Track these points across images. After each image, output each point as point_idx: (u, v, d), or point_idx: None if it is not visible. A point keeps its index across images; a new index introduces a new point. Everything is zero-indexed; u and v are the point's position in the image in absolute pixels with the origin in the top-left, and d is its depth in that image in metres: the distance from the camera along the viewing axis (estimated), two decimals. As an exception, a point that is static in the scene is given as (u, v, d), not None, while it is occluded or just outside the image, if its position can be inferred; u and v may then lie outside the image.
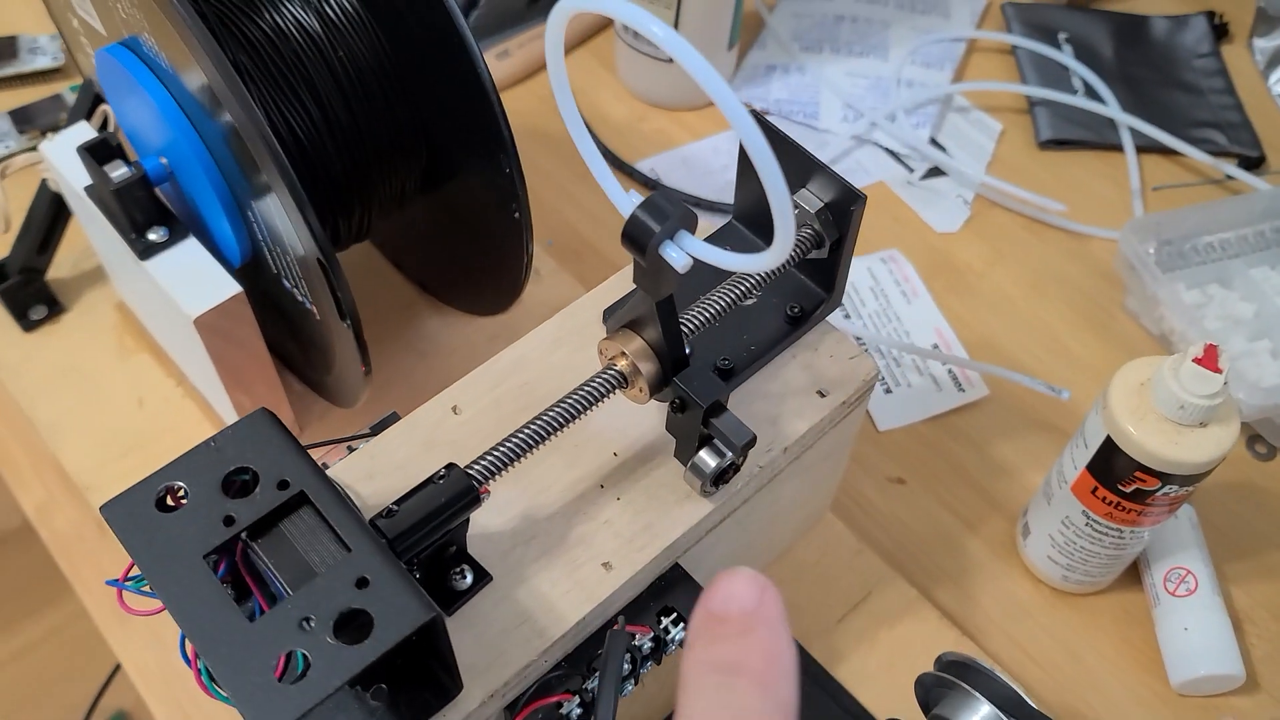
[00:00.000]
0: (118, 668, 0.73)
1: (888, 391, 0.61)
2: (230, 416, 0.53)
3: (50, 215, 0.56)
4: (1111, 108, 0.73)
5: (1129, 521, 0.49)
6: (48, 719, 1.22)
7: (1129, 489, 0.48)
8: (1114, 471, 0.48)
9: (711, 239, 0.47)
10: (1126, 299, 0.65)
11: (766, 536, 0.49)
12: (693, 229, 0.34)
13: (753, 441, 0.38)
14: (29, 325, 0.59)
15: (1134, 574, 0.55)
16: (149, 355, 0.58)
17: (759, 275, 0.42)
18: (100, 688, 1.13)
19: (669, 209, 0.33)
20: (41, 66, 0.72)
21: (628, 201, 0.34)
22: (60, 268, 0.60)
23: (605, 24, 0.78)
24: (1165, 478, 0.46)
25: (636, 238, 0.33)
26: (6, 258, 0.58)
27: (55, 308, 0.59)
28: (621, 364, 0.38)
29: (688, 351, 0.44)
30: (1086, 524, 0.50)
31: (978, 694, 0.43)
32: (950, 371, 0.62)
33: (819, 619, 0.52)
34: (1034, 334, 0.64)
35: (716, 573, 0.44)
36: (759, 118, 0.41)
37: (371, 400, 0.55)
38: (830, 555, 0.54)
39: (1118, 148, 0.73)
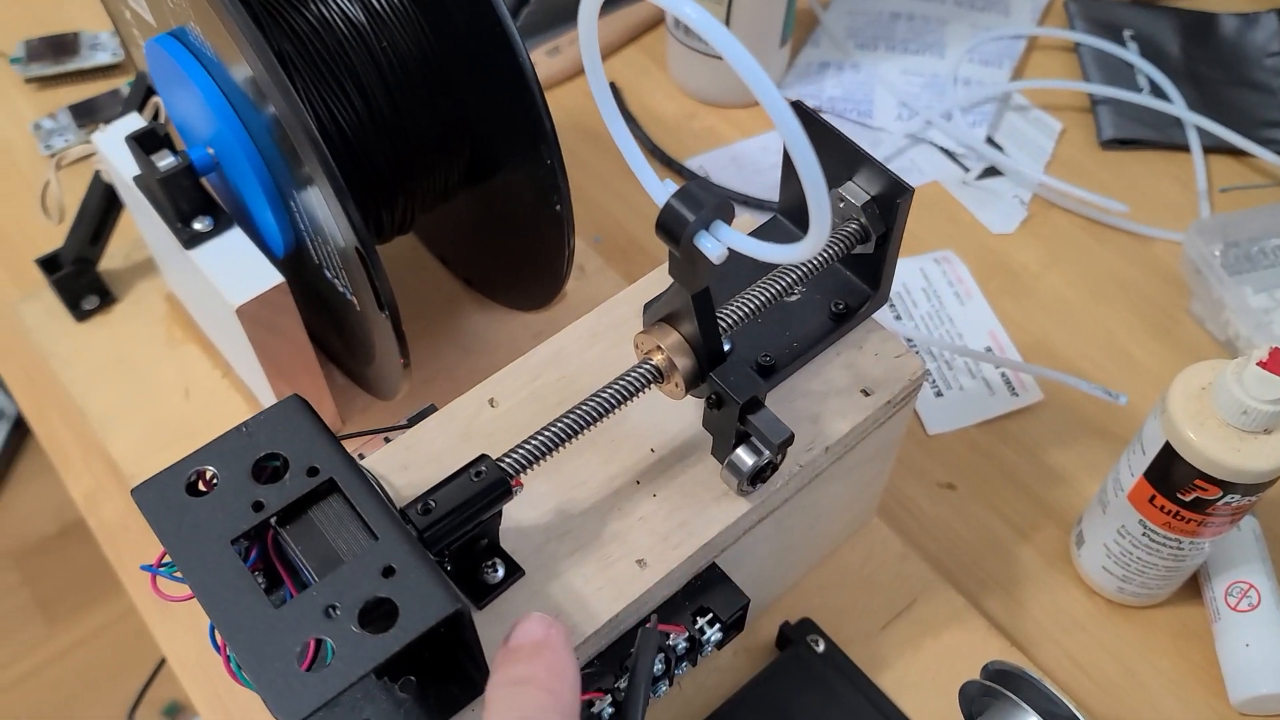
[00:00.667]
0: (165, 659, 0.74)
1: (938, 395, 0.60)
2: (273, 408, 0.53)
3: (102, 207, 0.57)
4: (1178, 106, 0.71)
5: (1188, 532, 0.47)
6: (103, 710, 1.24)
7: (1188, 498, 0.46)
8: (1173, 479, 0.46)
9: (754, 234, 0.46)
10: (1191, 303, 0.63)
11: (808, 539, 0.48)
12: (729, 219, 0.33)
13: (790, 439, 0.37)
14: (81, 315, 0.59)
15: (1193, 586, 0.53)
16: (196, 346, 0.59)
17: (802, 269, 0.41)
18: (148, 678, 1.15)
19: (704, 198, 0.32)
20: (101, 62, 0.73)
21: (663, 190, 0.33)
22: (112, 259, 0.61)
23: (657, 21, 0.78)
24: (1227, 486, 0.44)
25: (670, 227, 0.32)
26: (60, 248, 0.59)
27: (107, 298, 0.60)
28: (657, 358, 0.37)
29: (728, 347, 0.43)
30: (1144, 534, 0.49)
31: (1026, 706, 0.42)
32: (1003, 375, 0.60)
33: (862, 624, 0.51)
34: (1091, 338, 0.62)
35: (751, 575, 0.43)
36: (800, 107, 0.41)
37: (413, 395, 0.55)
38: (876, 560, 0.52)
39: (1183, 148, 0.70)
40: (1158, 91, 0.72)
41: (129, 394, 0.57)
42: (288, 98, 0.38)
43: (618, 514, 0.40)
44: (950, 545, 0.55)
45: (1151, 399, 0.59)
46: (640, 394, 0.37)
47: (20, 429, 1.45)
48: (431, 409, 0.43)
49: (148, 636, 0.52)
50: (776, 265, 0.41)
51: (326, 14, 0.45)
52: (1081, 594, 0.53)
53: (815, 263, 0.41)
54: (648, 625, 0.38)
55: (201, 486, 0.33)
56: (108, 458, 0.56)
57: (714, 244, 0.32)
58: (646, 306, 0.45)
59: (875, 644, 0.50)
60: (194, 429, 0.56)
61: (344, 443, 0.43)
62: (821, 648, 0.49)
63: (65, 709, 1.25)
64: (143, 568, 0.34)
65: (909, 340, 0.62)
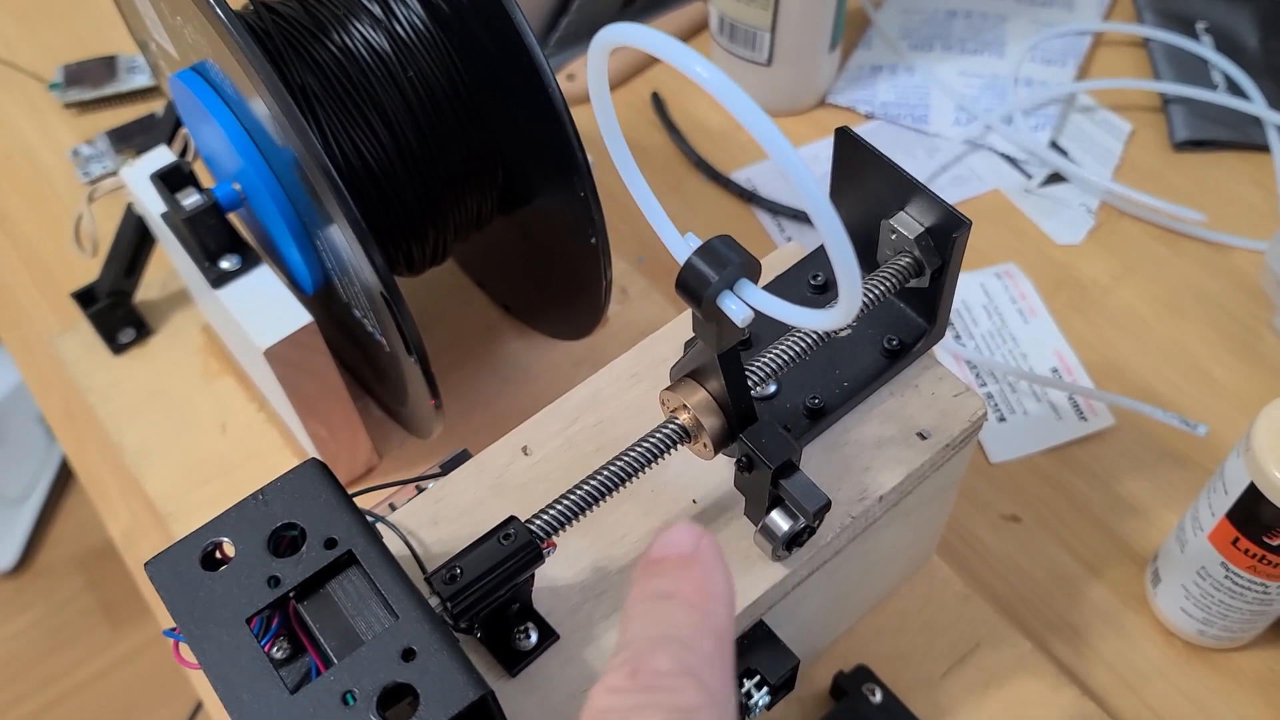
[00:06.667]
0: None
1: (1001, 420, 0.56)
2: (309, 445, 0.52)
3: (136, 238, 0.56)
4: (1257, 104, 0.67)
5: (1277, 577, 0.44)
6: (167, 713, 1.26)
7: (1276, 542, 0.42)
8: (1259, 522, 0.42)
9: (801, 265, 0.44)
10: (1274, 317, 0.59)
11: (863, 586, 0.46)
12: (755, 278, 0.30)
13: (827, 507, 0.34)
14: (118, 348, 0.59)
15: (1282, 629, 0.49)
16: (232, 378, 0.58)
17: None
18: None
19: (728, 256, 0.30)
20: (139, 85, 0.72)
21: (684, 247, 0.31)
22: (148, 289, 0.60)
23: (700, 27, 0.75)
24: (1321, 532, 0.41)
25: (691, 287, 0.30)
26: (95, 281, 0.58)
27: (143, 330, 0.59)
28: (683, 417, 0.35)
29: (773, 389, 0.40)
30: (1225, 576, 0.45)
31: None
32: (1071, 398, 0.57)
33: (922, 671, 0.48)
34: (1168, 357, 0.58)
35: (802, 627, 0.41)
36: (847, 134, 0.38)
37: (450, 429, 0.53)
38: (935, 602, 0.49)
39: (1263, 148, 0.66)
40: (1235, 88, 0.68)
41: (165, 428, 0.56)
42: (304, 138, 0.37)
43: (658, 571, 0.37)
44: (1015, 583, 0.52)
45: (1233, 422, 0.55)
46: (668, 454, 0.35)
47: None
48: (465, 455, 0.41)
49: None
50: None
51: (350, 43, 0.44)
52: (1158, 636, 0.50)
53: (866, 300, 0.38)
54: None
55: (219, 556, 0.32)
56: (144, 494, 0.55)
57: (739, 305, 0.30)
58: (687, 345, 0.42)
59: (936, 693, 0.47)
60: (230, 465, 0.55)
61: (376, 493, 0.42)
62: (878, 697, 0.46)
63: (129, 713, 1.27)
64: (165, 633, 0.33)
65: (969, 363, 0.58)
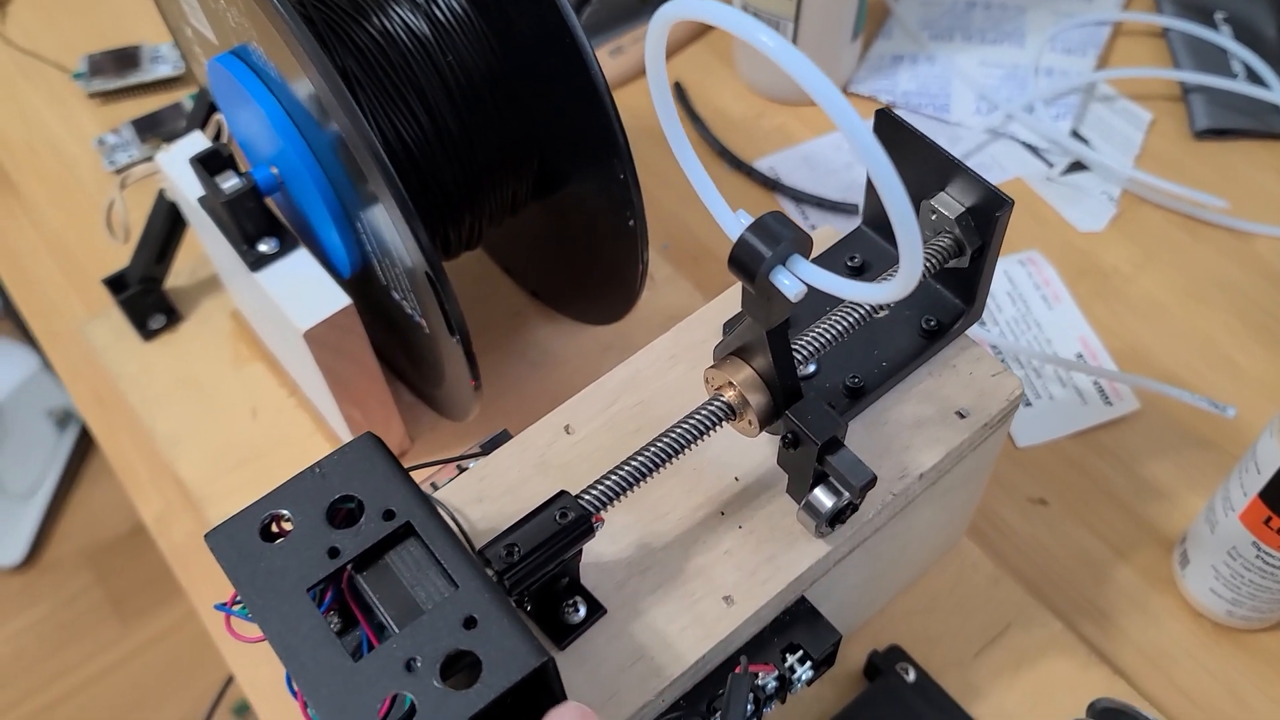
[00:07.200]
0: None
1: (1027, 404, 0.57)
2: (342, 428, 0.52)
3: (167, 225, 0.56)
4: (1276, 92, 0.67)
5: (1308, 556, 0.44)
6: (177, 708, 1.26)
7: (1309, 521, 0.43)
8: (1292, 501, 0.43)
9: (838, 247, 0.44)
10: (1296, 303, 0.60)
11: (898, 566, 0.46)
12: (807, 253, 0.31)
13: (872, 482, 0.35)
14: (148, 334, 0.59)
15: (1309, 610, 0.50)
16: (262, 364, 0.58)
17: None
18: (227, 679, 1.16)
19: (781, 232, 0.30)
20: (163, 75, 0.72)
21: (736, 223, 0.31)
22: (178, 277, 0.60)
23: (722, 17, 0.75)
24: (1354, 510, 0.41)
25: (745, 263, 0.30)
26: (126, 268, 0.58)
27: (173, 317, 0.59)
28: (729, 394, 0.35)
29: (813, 369, 0.41)
30: (1257, 556, 0.46)
31: (1138, 747, 0.39)
32: (1096, 383, 0.57)
33: (954, 652, 0.48)
34: (1191, 344, 0.59)
35: (839, 605, 0.41)
36: (888, 115, 0.38)
37: (482, 412, 0.53)
38: (966, 584, 0.50)
39: (1284, 137, 0.67)
40: (1254, 77, 0.68)
41: (196, 414, 0.57)
42: (353, 117, 0.37)
43: (702, 547, 0.38)
44: (1043, 565, 0.52)
45: (1258, 409, 0.56)
46: (712, 432, 0.35)
47: (90, 431, 1.47)
48: (505, 435, 0.42)
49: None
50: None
51: (390, 28, 0.44)
52: (1186, 617, 0.50)
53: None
54: (738, 670, 0.36)
55: (275, 530, 0.32)
56: (176, 479, 0.56)
57: (792, 281, 0.30)
58: (727, 326, 0.43)
59: (969, 672, 0.48)
60: (261, 450, 0.55)
61: (415, 472, 0.42)
62: (912, 677, 0.47)
63: (139, 708, 1.27)
64: (216, 607, 0.33)
65: (994, 347, 0.59)
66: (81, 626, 1.34)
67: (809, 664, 0.38)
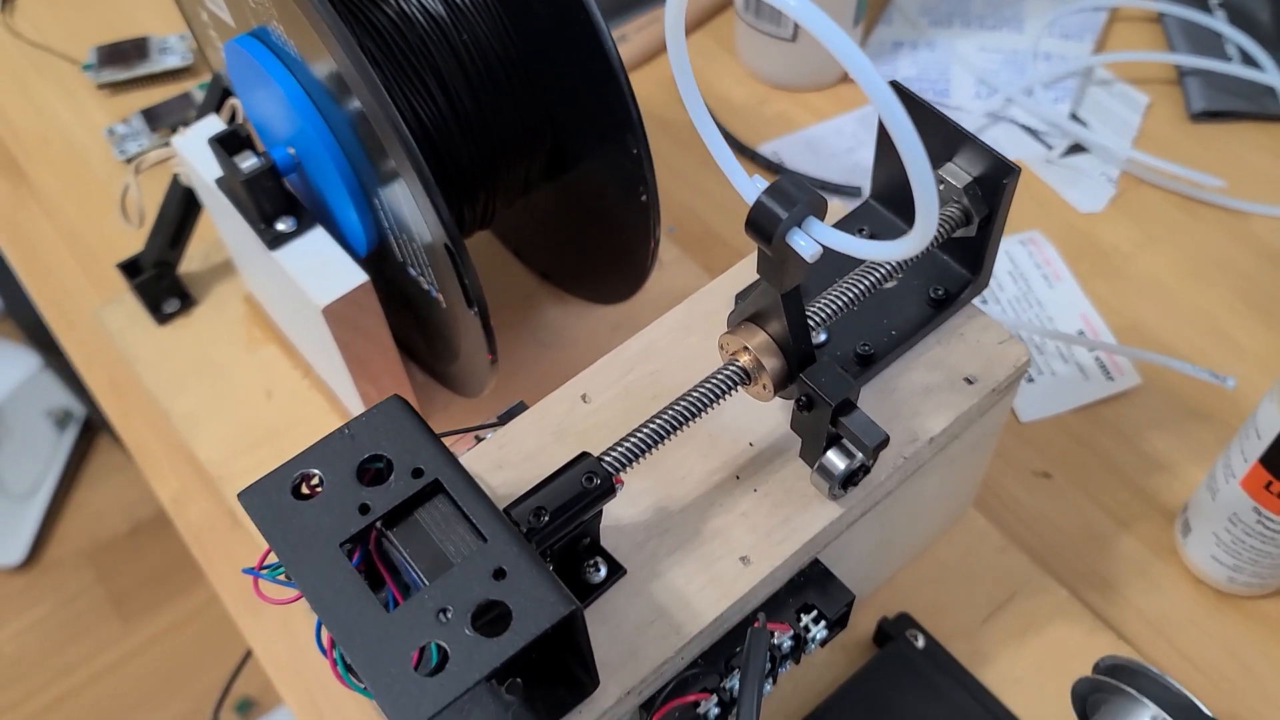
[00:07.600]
0: (247, 656, 0.74)
1: (1029, 380, 0.58)
2: (356, 407, 0.53)
3: (181, 210, 0.57)
4: (1270, 74, 0.68)
5: (1308, 519, 0.45)
6: (179, 706, 1.26)
7: (1309, 484, 0.44)
8: (1292, 465, 0.44)
9: (846, 220, 0.45)
10: (1292, 280, 0.61)
11: (907, 533, 0.47)
12: (822, 215, 0.32)
13: (885, 442, 0.36)
14: (163, 318, 0.60)
15: (1309, 576, 0.51)
16: (276, 347, 0.59)
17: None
18: (232, 673, 1.16)
19: (796, 194, 0.31)
20: (171, 66, 0.73)
21: (752, 187, 0.32)
22: (191, 261, 0.61)
23: (725, 4, 0.76)
24: (1353, 471, 0.42)
25: (762, 225, 0.31)
26: (141, 253, 0.59)
27: (187, 301, 0.60)
28: (744, 359, 0.36)
29: (824, 337, 0.42)
30: (1258, 521, 0.47)
31: (1144, 699, 0.40)
32: (1098, 359, 0.58)
33: (962, 619, 0.49)
34: (1191, 321, 0.60)
35: (850, 570, 0.42)
36: (899, 88, 0.39)
37: (494, 391, 0.54)
38: (973, 554, 0.51)
39: (1279, 118, 0.68)
40: (1249, 60, 0.70)
41: (212, 396, 0.57)
42: (375, 92, 0.38)
43: (719, 510, 0.39)
44: (1048, 536, 0.53)
45: (1257, 383, 0.57)
46: (727, 396, 0.36)
47: (90, 430, 1.48)
48: (521, 406, 0.42)
49: (223, 633, 0.53)
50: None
51: (406, 8, 0.45)
52: (1188, 585, 0.51)
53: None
54: (756, 625, 0.37)
55: (306, 490, 0.33)
56: (193, 460, 0.56)
57: (808, 242, 0.31)
58: (738, 297, 0.44)
59: (977, 639, 0.49)
60: (277, 430, 0.56)
61: (435, 442, 0.43)
62: (921, 643, 0.48)
63: (140, 706, 1.27)
64: (245, 571, 0.34)
65: (997, 325, 0.60)
66: (83, 626, 1.34)
67: (823, 623, 0.39)
